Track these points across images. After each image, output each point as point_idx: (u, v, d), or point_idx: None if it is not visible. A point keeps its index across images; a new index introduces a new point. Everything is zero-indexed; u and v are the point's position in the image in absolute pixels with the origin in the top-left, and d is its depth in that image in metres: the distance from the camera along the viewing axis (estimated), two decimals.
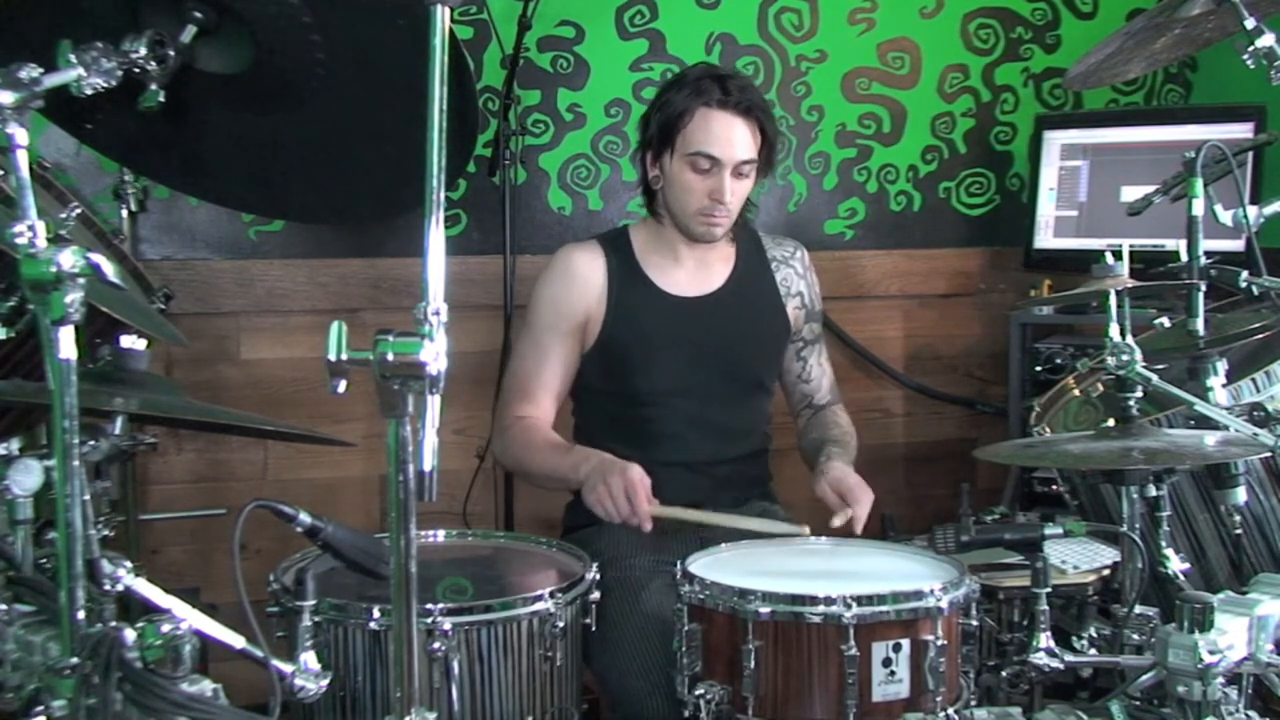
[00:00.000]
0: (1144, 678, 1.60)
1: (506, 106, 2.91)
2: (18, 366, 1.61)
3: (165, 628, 1.24)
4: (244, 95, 1.60)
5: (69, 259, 1.15)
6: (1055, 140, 3.26)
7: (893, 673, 1.61)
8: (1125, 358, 1.74)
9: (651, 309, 2.34)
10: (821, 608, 1.60)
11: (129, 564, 1.28)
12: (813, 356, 2.50)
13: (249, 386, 2.94)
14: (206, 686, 1.24)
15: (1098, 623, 1.86)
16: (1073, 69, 2.23)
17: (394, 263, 3.00)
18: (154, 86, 1.46)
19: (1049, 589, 1.69)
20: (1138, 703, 1.65)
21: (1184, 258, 2.03)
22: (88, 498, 1.21)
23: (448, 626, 1.62)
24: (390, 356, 1.11)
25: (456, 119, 1.18)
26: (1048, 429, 2.27)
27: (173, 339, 1.97)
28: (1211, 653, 1.50)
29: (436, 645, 1.60)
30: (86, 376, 1.43)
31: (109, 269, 1.18)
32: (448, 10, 1.17)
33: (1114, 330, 1.78)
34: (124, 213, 2.75)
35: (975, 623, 1.72)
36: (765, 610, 1.62)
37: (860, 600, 1.60)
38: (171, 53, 1.46)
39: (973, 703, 1.70)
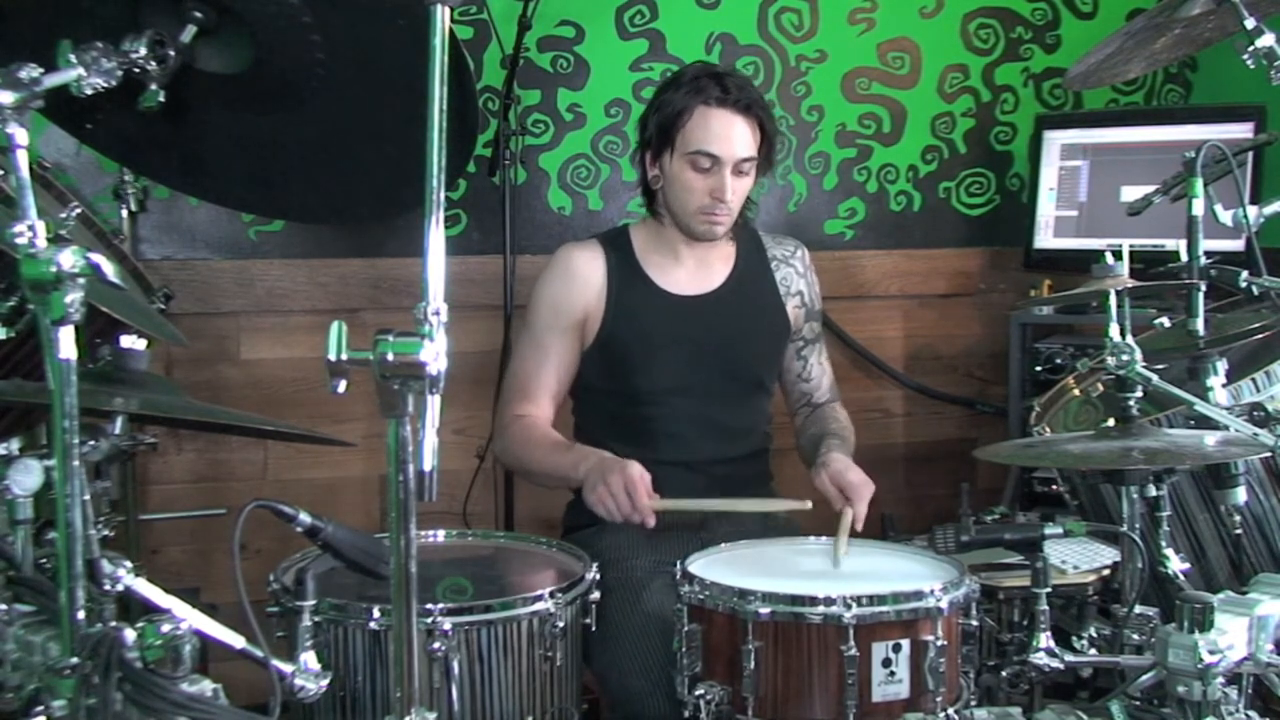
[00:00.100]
0: (1144, 678, 1.60)
1: (506, 106, 2.91)
2: (18, 366, 1.61)
3: (165, 628, 1.24)
4: (244, 95, 1.60)
5: (69, 259, 1.15)
6: (1055, 140, 3.26)
7: (893, 673, 1.61)
8: (1125, 358, 1.74)
9: (651, 308, 2.34)
10: (821, 608, 1.60)
11: (129, 564, 1.28)
12: (813, 356, 2.50)
13: (249, 386, 2.94)
14: (206, 686, 1.24)
15: (1098, 623, 1.86)
16: (1073, 69, 2.23)
17: (394, 263, 3.00)
18: (154, 86, 1.46)
19: (1049, 589, 1.69)
20: (1138, 703, 1.65)
21: (1184, 258, 2.02)
22: (88, 498, 1.21)
23: (448, 626, 1.62)
24: (390, 356, 1.11)
25: (456, 119, 1.18)
26: (1048, 429, 2.27)
27: (173, 339, 1.97)
28: (1211, 653, 1.50)
29: (436, 645, 1.60)
30: (86, 376, 1.43)
31: (109, 269, 1.18)
32: (448, 10, 1.17)
33: (1114, 330, 1.78)
34: (124, 213, 2.75)
35: (975, 623, 1.72)
36: (765, 610, 1.62)
37: (860, 600, 1.60)
38: (171, 53, 1.46)
39: (973, 703, 1.70)
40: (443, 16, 1.17)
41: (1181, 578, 1.80)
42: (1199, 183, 2.01)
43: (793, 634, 1.62)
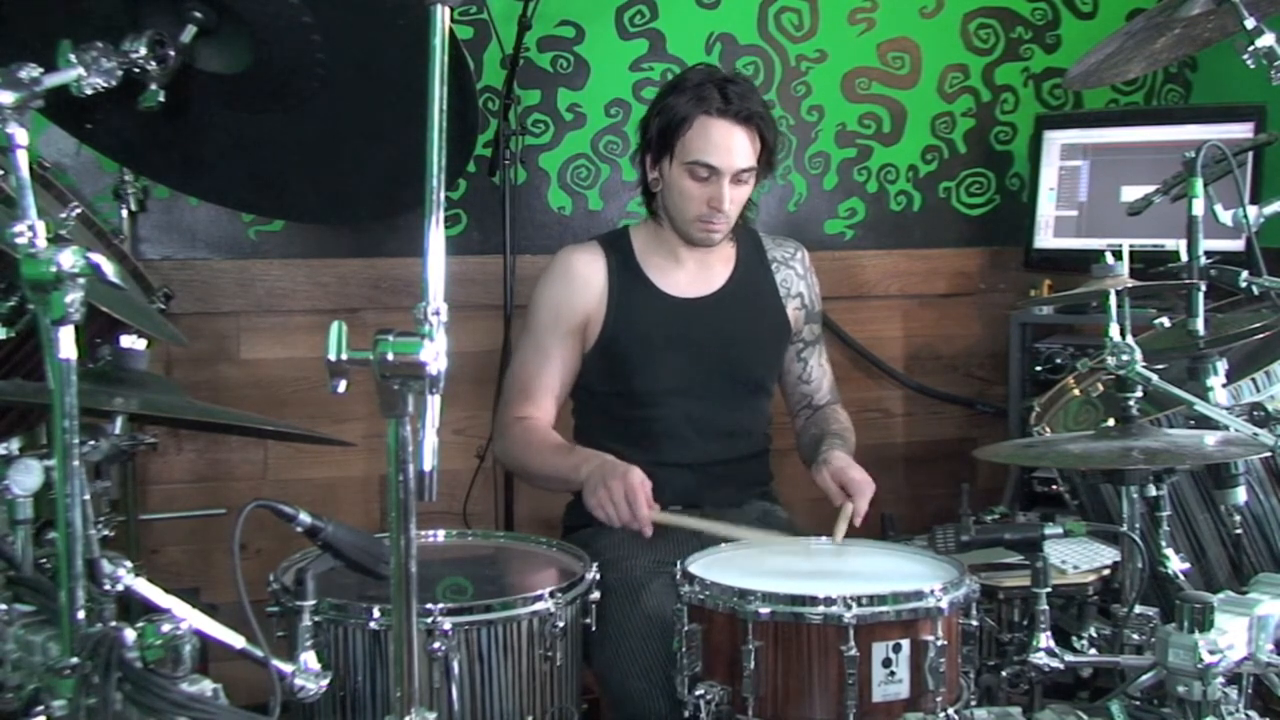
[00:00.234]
0: (1144, 678, 1.60)
1: (506, 106, 2.91)
2: (18, 366, 1.61)
3: (165, 628, 1.24)
4: (244, 95, 1.60)
5: (69, 259, 1.15)
6: (1055, 140, 3.26)
7: (893, 673, 1.61)
8: (1125, 358, 1.74)
9: (652, 310, 2.34)
10: (821, 608, 1.60)
11: (129, 564, 1.28)
12: (813, 357, 2.50)
13: (249, 386, 2.94)
14: (206, 686, 1.24)
15: (1098, 623, 1.86)
16: (1073, 69, 2.23)
17: (394, 263, 3.00)
18: (154, 86, 1.46)
19: (1049, 589, 1.69)
20: (1138, 703, 1.65)
21: (1184, 258, 2.02)
22: (88, 498, 1.21)
23: (448, 626, 1.62)
24: (390, 356, 1.11)
25: (456, 119, 1.18)
26: (1048, 429, 2.27)
27: (173, 339, 1.96)
28: (1211, 653, 1.50)
29: (436, 645, 1.60)
30: (86, 376, 1.43)
31: (109, 269, 1.18)
32: (448, 10, 1.17)
33: (1114, 330, 1.78)
34: (124, 213, 2.75)
35: (975, 623, 1.72)
36: (765, 610, 1.62)
37: (860, 600, 1.60)
38: (171, 53, 1.46)
39: (973, 703, 1.70)
40: (443, 16, 1.17)
41: (1181, 578, 1.80)
42: (1199, 183, 2.01)
43: (793, 634, 1.61)
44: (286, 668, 1.36)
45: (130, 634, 1.21)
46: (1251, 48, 1.86)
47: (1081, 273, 1.93)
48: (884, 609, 1.61)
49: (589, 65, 3.13)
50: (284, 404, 2.94)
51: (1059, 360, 3.02)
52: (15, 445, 1.54)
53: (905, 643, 1.61)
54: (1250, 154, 2.59)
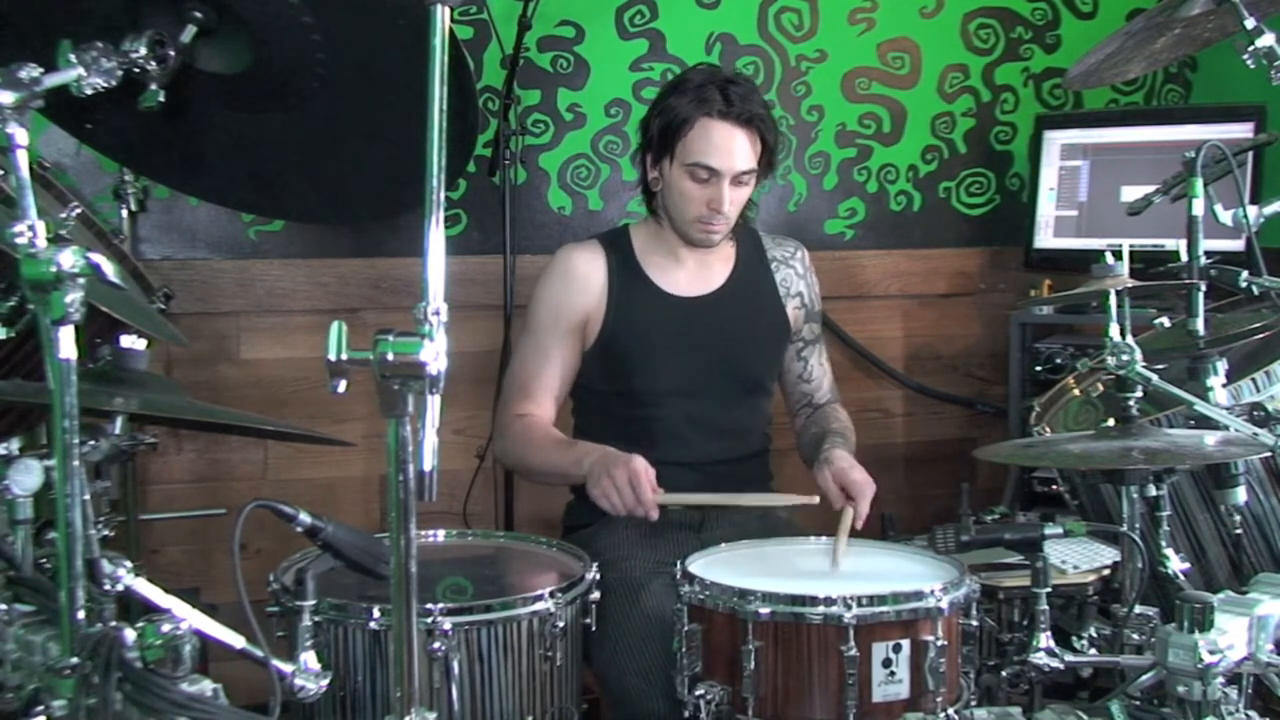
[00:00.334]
0: (1144, 678, 1.60)
1: (506, 106, 2.91)
2: (18, 366, 1.61)
3: (165, 628, 1.24)
4: (244, 95, 1.60)
5: (69, 259, 1.15)
6: (1055, 140, 3.26)
7: (893, 673, 1.61)
8: (1125, 358, 1.74)
9: (652, 309, 2.34)
10: (821, 608, 1.60)
11: (129, 564, 1.28)
12: (813, 357, 2.50)
13: (249, 386, 2.94)
14: (206, 686, 1.24)
15: (1098, 623, 1.86)
16: (1073, 69, 2.23)
17: (394, 263, 3.00)
18: (154, 86, 1.46)
19: (1049, 589, 1.69)
20: (1138, 703, 1.65)
21: (1184, 258, 2.02)
22: (88, 498, 1.21)
23: (448, 626, 1.62)
24: (390, 356, 1.11)
25: (456, 119, 1.18)
26: (1048, 429, 2.27)
27: (173, 339, 1.96)
28: (1211, 653, 1.50)
29: (436, 645, 1.60)
30: (86, 376, 1.43)
31: (109, 269, 1.18)
32: (448, 10, 1.17)
33: (1114, 330, 1.78)
34: (124, 213, 2.75)
35: (975, 623, 1.72)
36: (765, 610, 1.62)
37: (860, 601, 1.60)
38: (171, 53, 1.46)
39: (973, 703, 1.70)
40: (443, 16, 1.17)
41: (1181, 578, 1.80)
42: (1199, 183, 2.01)
43: (793, 634, 1.62)
44: (286, 668, 1.36)
45: (130, 634, 1.21)
46: (1251, 48, 1.86)
47: (1081, 273, 1.93)
48: (884, 609, 1.61)
49: (589, 65, 3.13)
50: (284, 404, 2.94)
51: (1059, 360, 3.02)
52: (15, 445, 1.54)
53: (905, 643, 1.62)
54: (1250, 154, 2.59)
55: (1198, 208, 2.01)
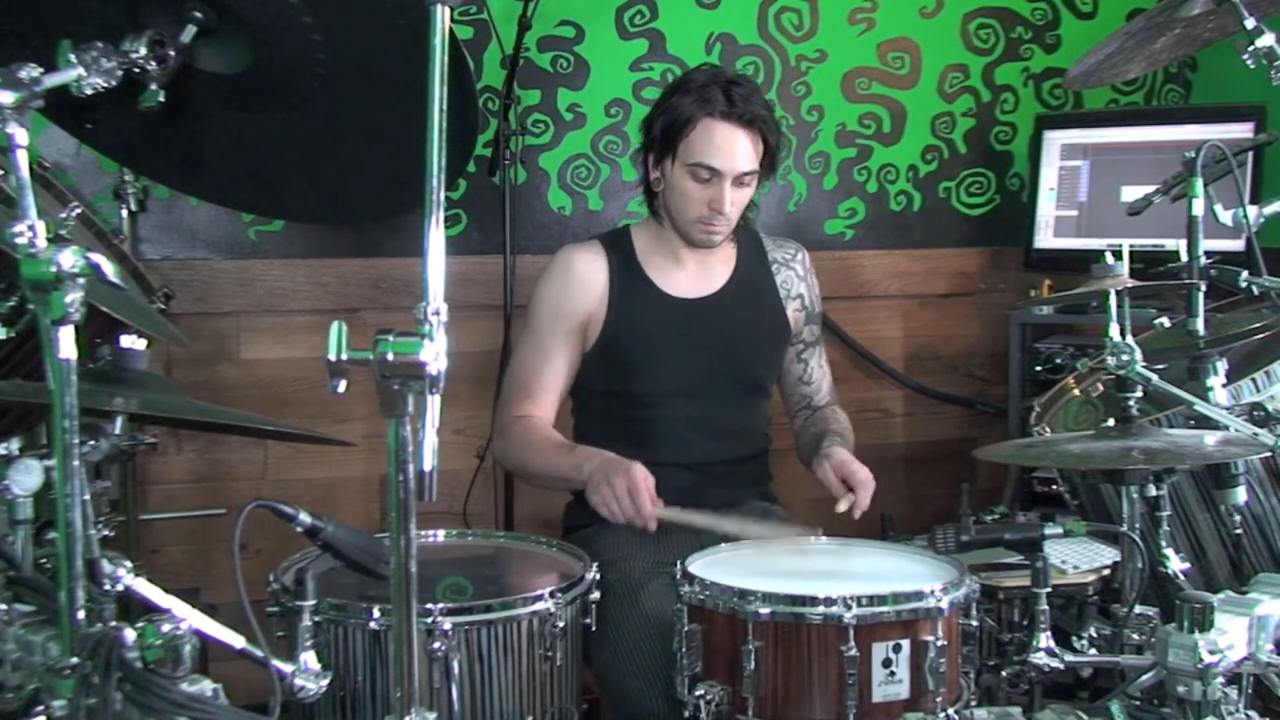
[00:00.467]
0: (1144, 678, 1.60)
1: (506, 106, 2.91)
2: (18, 366, 1.61)
3: (165, 628, 1.24)
4: (244, 95, 1.60)
5: (69, 259, 1.15)
6: (1055, 140, 3.26)
7: (893, 673, 1.61)
8: (1125, 358, 1.74)
9: (652, 310, 2.34)
10: (821, 608, 1.60)
11: (129, 564, 1.28)
12: (813, 358, 2.51)
13: (249, 386, 2.94)
14: (206, 686, 1.24)
15: (1098, 623, 1.86)
16: (1073, 69, 2.23)
17: (394, 263, 3.00)
18: (154, 86, 1.46)
19: (1049, 589, 1.69)
20: (1138, 703, 1.65)
21: (1184, 258, 2.02)
22: (88, 498, 1.21)
23: (448, 626, 1.62)
24: (390, 356, 1.11)
25: (456, 119, 1.18)
26: (1048, 429, 2.27)
27: (173, 339, 1.97)
28: (1211, 653, 1.50)
29: (436, 645, 1.60)
30: (86, 376, 1.43)
31: (109, 269, 1.18)
32: (448, 10, 1.17)
33: (1114, 330, 1.78)
34: (124, 213, 2.75)
35: (975, 623, 1.72)
36: (765, 611, 1.62)
37: (860, 601, 1.60)
38: (171, 53, 1.46)
39: (973, 703, 1.70)
40: (443, 16, 1.17)
41: (1181, 578, 1.80)
42: (1199, 183, 2.01)
43: (793, 634, 1.61)
44: (286, 668, 1.36)
45: (130, 634, 1.21)
46: (1251, 48, 1.86)
47: (1081, 273, 1.93)
48: (884, 609, 1.61)
49: (589, 65, 3.13)
50: (284, 404, 2.94)
51: (1059, 360, 3.02)
52: (15, 445, 1.54)
53: (905, 643, 1.61)
54: (1250, 154, 2.59)
55: (1198, 208, 2.01)
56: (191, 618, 1.27)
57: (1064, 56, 3.45)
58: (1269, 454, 1.79)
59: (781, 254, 2.47)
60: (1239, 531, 1.95)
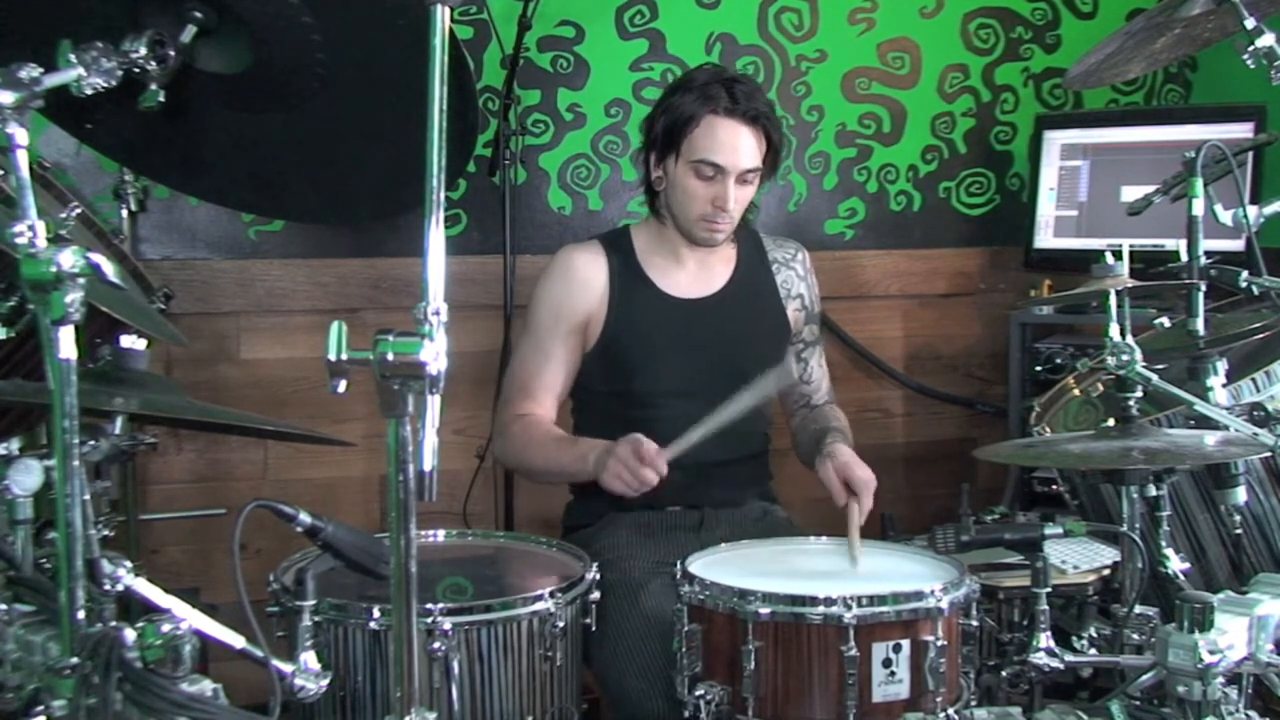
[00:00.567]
0: (1144, 678, 1.60)
1: (506, 106, 2.91)
2: (18, 366, 1.61)
3: (165, 628, 1.24)
4: (244, 95, 1.60)
5: (69, 259, 1.15)
6: (1055, 140, 3.26)
7: (893, 673, 1.61)
8: (1125, 358, 1.74)
9: (653, 310, 2.34)
10: (821, 608, 1.60)
11: (129, 564, 1.28)
12: (812, 358, 2.50)
13: (249, 386, 2.94)
14: (206, 686, 1.24)
15: (1098, 623, 1.86)
16: (1073, 69, 2.23)
17: (394, 263, 3.00)
18: (154, 86, 1.46)
19: (1049, 589, 1.69)
20: (1138, 703, 1.65)
21: (1184, 258, 2.02)
22: (88, 498, 1.21)
23: (448, 626, 1.62)
24: (390, 356, 1.11)
25: (456, 119, 1.18)
26: (1048, 429, 2.27)
27: (173, 339, 1.97)
28: (1211, 653, 1.50)
29: (436, 645, 1.60)
30: (86, 376, 1.43)
31: (109, 269, 1.18)
32: (448, 10, 1.17)
33: (1114, 330, 1.78)
34: (124, 213, 2.75)
35: (975, 623, 1.72)
36: (765, 611, 1.62)
37: (860, 601, 1.60)
38: (171, 53, 1.46)
39: (973, 703, 1.70)
40: (443, 16, 1.17)
41: (1181, 578, 1.80)
42: (1199, 183, 2.01)
43: (793, 634, 1.62)
44: (286, 668, 1.36)
45: (130, 634, 1.21)
46: (1251, 48, 1.86)
47: (1081, 273, 1.93)
48: (884, 609, 1.61)
49: (589, 65, 3.13)
50: (284, 404, 2.94)
51: (1059, 360, 3.02)
52: (15, 445, 1.54)
53: (905, 643, 1.62)
54: (1250, 154, 2.58)
55: (1198, 208, 2.01)
56: (191, 618, 1.27)
57: (1064, 56, 3.45)
58: (1269, 454, 1.79)
59: (781, 254, 2.47)
60: (1239, 531, 1.95)
